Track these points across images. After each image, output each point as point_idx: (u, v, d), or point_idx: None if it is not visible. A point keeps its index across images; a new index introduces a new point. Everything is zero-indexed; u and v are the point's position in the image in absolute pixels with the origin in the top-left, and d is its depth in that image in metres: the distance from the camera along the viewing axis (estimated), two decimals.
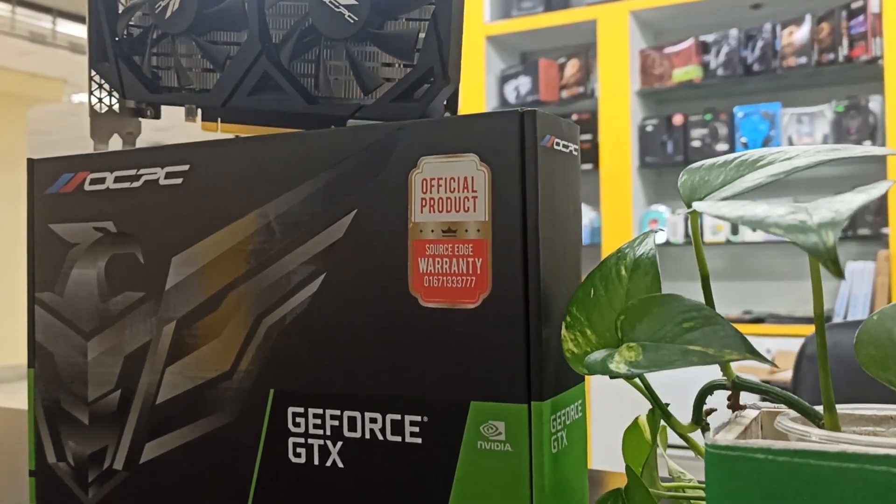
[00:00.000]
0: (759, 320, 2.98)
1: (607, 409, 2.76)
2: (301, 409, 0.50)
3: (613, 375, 0.42)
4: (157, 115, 0.60)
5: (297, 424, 0.50)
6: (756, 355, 0.35)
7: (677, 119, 3.10)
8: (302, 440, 0.50)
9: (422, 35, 0.49)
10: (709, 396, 0.42)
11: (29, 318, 0.60)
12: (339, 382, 0.49)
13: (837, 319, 2.91)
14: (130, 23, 0.56)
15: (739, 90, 3.10)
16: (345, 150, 0.49)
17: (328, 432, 0.49)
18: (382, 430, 0.48)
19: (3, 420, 0.93)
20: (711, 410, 0.44)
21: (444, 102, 0.51)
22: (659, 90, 3.15)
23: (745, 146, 2.98)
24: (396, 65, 0.51)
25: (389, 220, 0.48)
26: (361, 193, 0.49)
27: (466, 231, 0.46)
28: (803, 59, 2.95)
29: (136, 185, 0.56)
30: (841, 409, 0.38)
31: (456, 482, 0.46)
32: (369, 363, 0.48)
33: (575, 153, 0.50)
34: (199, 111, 0.58)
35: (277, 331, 0.51)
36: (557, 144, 0.47)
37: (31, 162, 0.60)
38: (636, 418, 0.48)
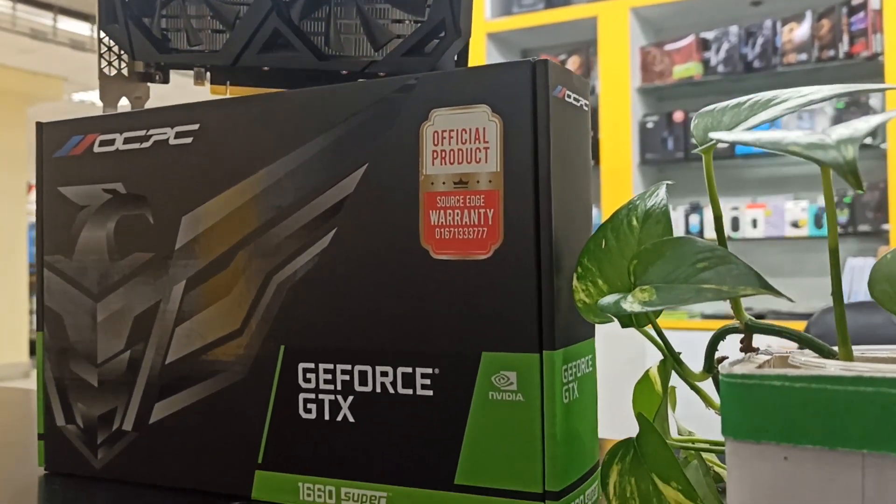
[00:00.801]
0: (759, 317, 2.97)
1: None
2: (311, 365, 0.50)
3: (625, 316, 0.42)
4: (165, 80, 0.60)
5: (307, 380, 0.50)
6: (771, 289, 0.35)
7: (678, 116, 3.10)
8: (312, 396, 0.50)
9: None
10: (721, 343, 0.42)
11: (38, 282, 0.60)
12: (349, 337, 0.49)
13: None
14: None
15: (740, 87, 3.10)
16: (355, 105, 0.49)
17: (339, 387, 0.49)
18: (393, 384, 0.48)
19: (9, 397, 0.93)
20: (723, 358, 0.44)
21: (455, 56, 0.51)
22: (659, 87, 3.15)
23: None
24: (406, 21, 0.51)
25: (400, 174, 0.48)
26: (372, 148, 0.49)
27: (478, 182, 0.46)
28: (804, 56, 2.95)
29: (145, 145, 0.56)
30: (855, 349, 0.38)
31: (467, 433, 0.46)
32: (380, 317, 0.48)
33: (585, 108, 0.50)
34: (209, 74, 0.58)
35: (287, 288, 0.51)
36: (569, 97, 0.47)
37: (39, 125, 0.60)
38: (647, 371, 0.48)
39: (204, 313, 0.54)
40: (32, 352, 7.58)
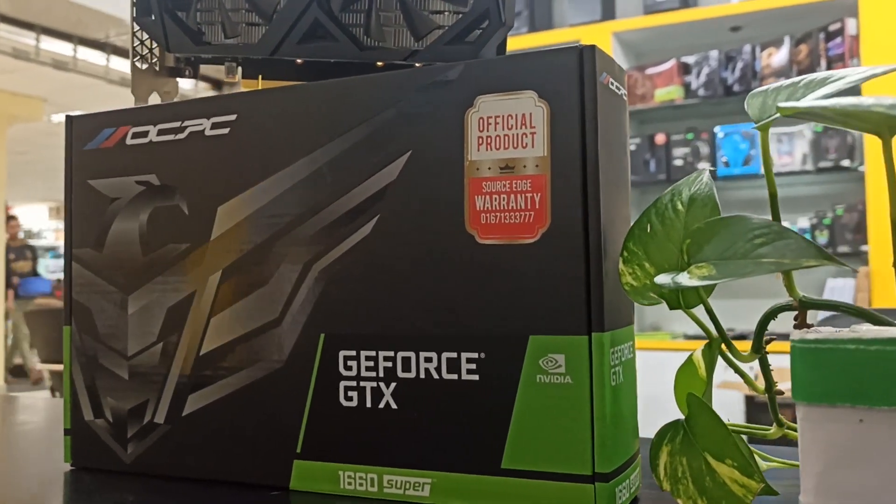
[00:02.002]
0: (741, 337, 2.99)
1: None
2: (353, 353, 0.50)
3: (673, 297, 0.43)
4: (195, 74, 0.60)
5: (348, 368, 0.50)
6: (833, 260, 0.36)
7: (659, 138, 3.13)
8: (353, 383, 0.50)
9: None
10: (772, 321, 0.43)
11: (66, 276, 0.59)
12: (392, 324, 0.49)
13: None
14: None
15: (720, 110, 3.14)
16: (398, 93, 0.49)
17: (381, 374, 0.49)
18: (438, 369, 0.48)
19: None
20: (771, 339, 0.44)
21: (496, 46, 0.51)
22: (641, 110, 3.19)
23: (727, 164, 3.02)
24: (446, 12, 0.52)
25: (445, 160, 0.48)
26: (415, 135, 0.49)
27: (525, 167, 0.46)
28: (782, 80, 2.99)
29: (180, 136, 0.56)
30: None
31: (514, 417, 0.46)
32: (424, 303, 0.48)
33: (624, 97, 0.50)
34: (240, 69, 0.59)
35: (328, 275, 0.51)
36: (612, 84, 0.48)
37: (69, 118, 0.60)
38: (690, 355, 0.48)
39: (241, 303, 0.53)
40: (14, 374, 7.46)
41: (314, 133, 0.52)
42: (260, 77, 0.58)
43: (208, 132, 0.55)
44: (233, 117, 0.54)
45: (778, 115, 0.38)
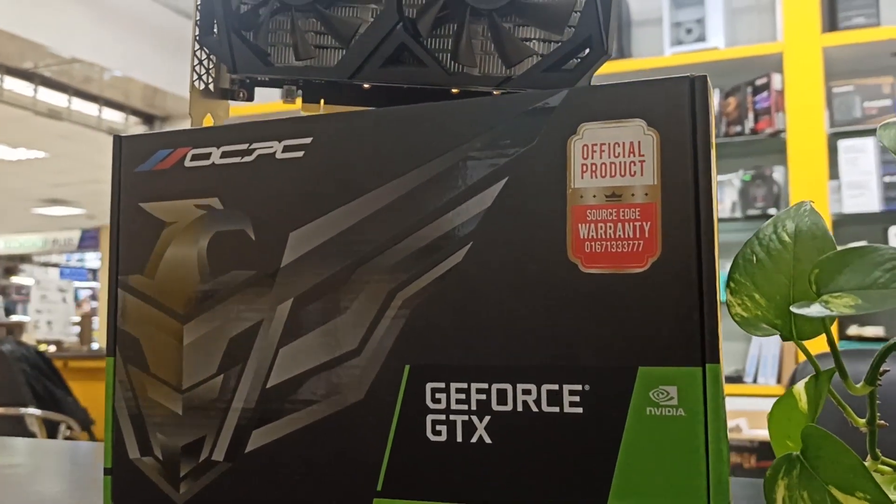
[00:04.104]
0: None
1: None
2: (441, 385, 0.48)
3: (798, 323, 0.42)
4: (250, 97, 0.58)
5: (436, 401, 0.48)
6: None
7: None
8: (442, 417, 0.48)
9: (577, 10, 0.49)
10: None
11: (110, 304, 0.56)
12: (486, 354, 0.48)
13: (748, 380, 3.01)
14: None
15: None
16: (493, 119, 0.48)
17: (473, 407, 0.48)
18: (537, 402, 0.47)
19: None
20: (886, 371, 0.44)
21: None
22: None
23: None
24: (535, 39, 0.51)
25: (545, 188, 0.47)
26: (512, 161, 0.48)
27: (633, 195, 0.46)
28: None
29: (247, 159, 0.53)
30: None
31: (622, 451, 0.45)
32: (522, 333, 0.47)
33: (713, 123, 0.51)
34: (300, 91, 0.57)
35: (414, 304, 0.49)
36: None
37: (118, 139, 0.57)
38: (790, 389, 0.48)
39: (315, 333, 0.51)
40: None
41: (400, 158, 0.50)
42: (322, 101, 0.57)
43: (279, 155, 0.53)
44: (307, 140, 0.52)
45: None
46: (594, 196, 0.46)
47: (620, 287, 0.46)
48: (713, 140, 0.46)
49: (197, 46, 0.56)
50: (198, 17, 0.55)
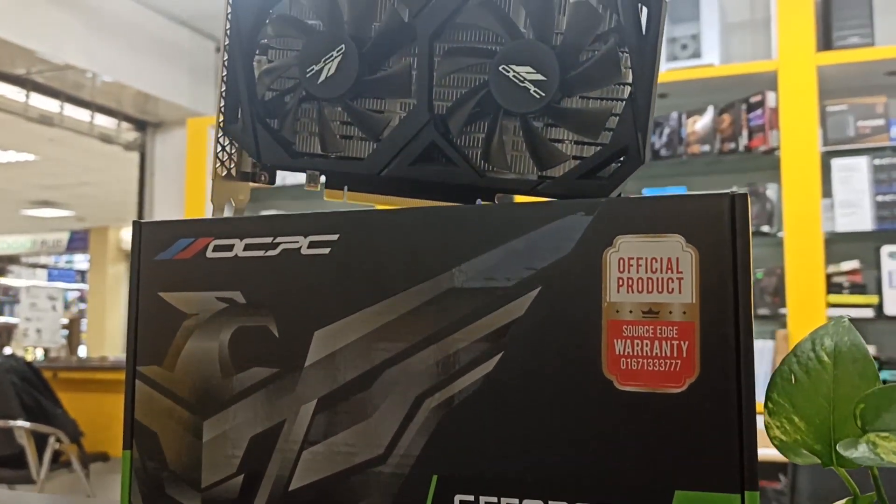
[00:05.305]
0: None
1: None
2: (471, 497, 0.47)
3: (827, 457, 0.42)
4: (271, 181, 0.57)
5: None
6: None
7: None
8: None
9: (614, 113, 0.48)
10: None
11: (127, 395, 0.55)
12: (517, 468, 0.47)
13: None
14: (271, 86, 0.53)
15: (647, 173, 3.22)
16: (527, 225, 0.48)
17: None
18: None
19: None
20: None
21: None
22: None
23: None
24: (572, 139, 0.50)
25: (580, 300, 0.46)
26: (546, 270, 0.47)
27: (671, 313, 0.45)
28: (706, 148, 3.10)
29: (271, 253, 0.52)
30: None
31: None
32: (555, 447, 0.46)
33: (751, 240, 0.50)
34: (323, 178, 0.56)
35: (444, 411, 0.48)
36: (752, 224, 0.47)
37: (137, 224, 0.55)
38: None
39: (339, 436, 0.50)
40: None
41: (431, 260, 0.49)
42: (345, 188, 0.56)
43: (305, 251, 0.52)
44: (334, 237, 0.51)
45: None
46: (630, 311, 0.46)
47: (657, 407, 0.45)
48: (752, 257, 0.45)
49: (220, 133, 0.55)
50: (222, 104, 0.53)
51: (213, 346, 0.53)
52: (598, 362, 0.46)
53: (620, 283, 0.46)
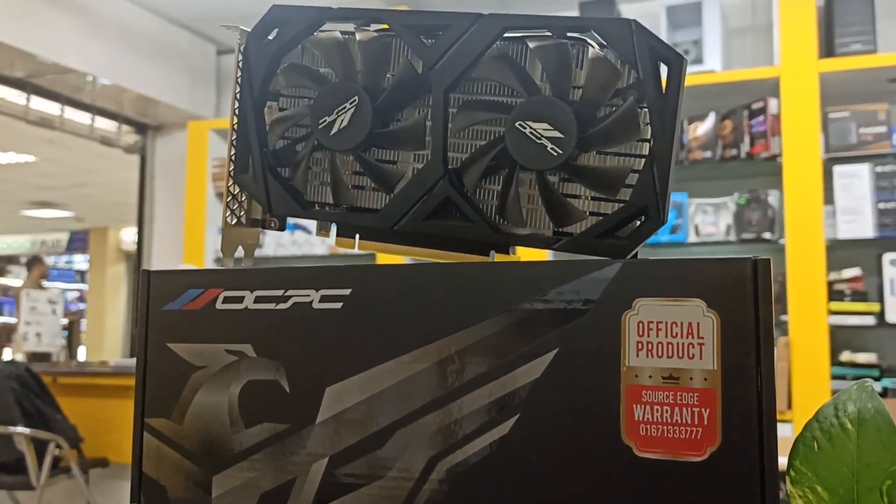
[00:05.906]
0: None
1: None
2: None
3: None
4: (281, 227, 0.56)
5: None
6: None
7: None
8: None
9: (634, 170, 0.47)
10: None
11: (135, 447, 0.54)
12: None
13: None
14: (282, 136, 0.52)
15: None
16: (545, 285, 0.47)
17: None
18: None
19: None
20: None
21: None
22: None
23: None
24: (586, 197, 0.49)
25: (598, 362, 0.46)
26: (563, 331, 0.46)
27: (691, 379, 0.44)
28: (708, 154, 3.09)
29: (282, 306, 0.51)
30: None
31: None
32: None
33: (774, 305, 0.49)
34: (334, 227, 0.55)
35: (458, 473, 0.47)
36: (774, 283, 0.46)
37: (146, 273, 0.55)
38: None
39: (351, 496, 0.49)
40: None
41: (445, 317, 0.48)
42: (357, 236, 0.55)
43: (316, 305, 0.51)
44: (346, 291, 0.50)
45: None
46: (650, 376, 0.45)
47: (677, 475, 0.44)
48: (774, 322, 0.44)
49: (230, 182, 0.54)
50: (232, 153, 0.52)
51: (223, 399, 0.52)
52: (616, 427, 0.45)
53: (640, 347, 0.45)
